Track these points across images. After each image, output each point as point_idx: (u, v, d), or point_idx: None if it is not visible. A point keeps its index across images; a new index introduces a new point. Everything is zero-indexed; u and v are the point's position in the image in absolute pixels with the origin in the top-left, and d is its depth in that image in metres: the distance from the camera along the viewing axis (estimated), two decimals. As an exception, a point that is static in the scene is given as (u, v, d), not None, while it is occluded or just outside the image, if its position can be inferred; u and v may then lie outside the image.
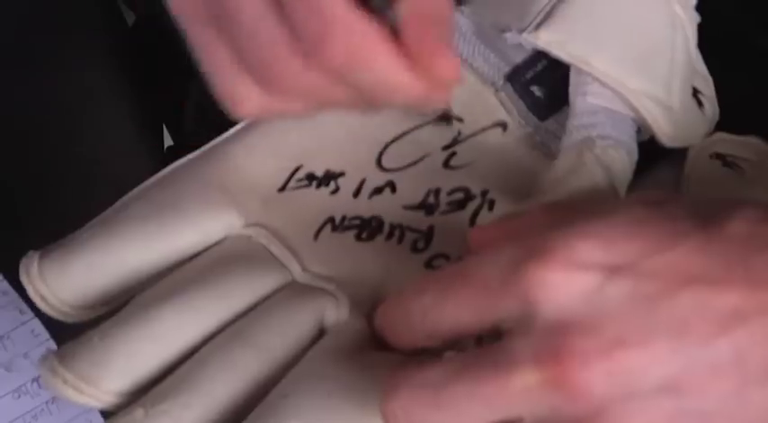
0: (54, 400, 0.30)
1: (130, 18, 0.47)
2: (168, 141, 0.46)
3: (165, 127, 0.44)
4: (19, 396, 0.31)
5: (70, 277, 0.27)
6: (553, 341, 0.22)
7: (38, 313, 0.32)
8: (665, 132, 0.28)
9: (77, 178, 0.35)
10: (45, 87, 0.36)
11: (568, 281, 0.22)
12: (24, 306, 0.31)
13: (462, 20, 0.29)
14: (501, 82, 0.29)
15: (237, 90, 0.27)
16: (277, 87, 0.27)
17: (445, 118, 0.29)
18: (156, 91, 0.40)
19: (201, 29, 0.27)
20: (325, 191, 0.28)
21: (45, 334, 0.32)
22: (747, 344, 0.22)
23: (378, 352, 0.26)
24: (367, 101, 0.26)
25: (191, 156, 0.29)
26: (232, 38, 0.27)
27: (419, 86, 0.26)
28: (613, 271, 0.22)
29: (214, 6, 0.26)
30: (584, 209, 0.25)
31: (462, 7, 0.29)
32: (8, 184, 0.33)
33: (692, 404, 0.22)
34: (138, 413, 0.25)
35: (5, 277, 0.31)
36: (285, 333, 0.26)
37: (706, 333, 0.22)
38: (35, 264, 0.27)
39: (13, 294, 0.31)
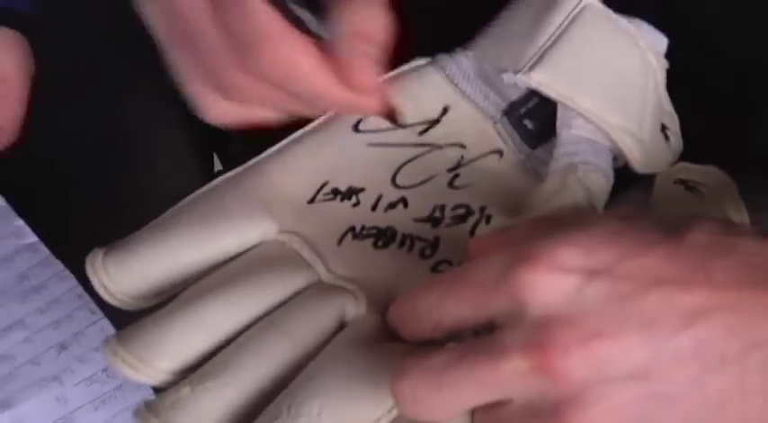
0: (120, 387, 0.34)
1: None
2: (218, 166, 0.51)
3: (215, 154, 0.49)
4: (90, 384, 0.36)
5: (129, 271, 0.31)
6: (539, 334, 0.24)
7: (106, 313, 0.37)
8: (637, 161, 0.32)
9: (137, 196, 0.39)
10: (114, 117, 0.40)
11: (552, 282, 0.25)
12: (95, 307, 0.36)
13: (467, 62, 0.34)
14: (499, 116, 0.33)
15: (204, 99, 0.31)
16: (231, 95, 0.30)
17: (392, 120, 0.32)
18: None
19: (174, 48, 0.30)
20: (347, 204, 0.33)
21: (112, 330, 0.37)
22: (706, 337, 0.24)
23: (390, 342, 0.29)
24: (309, 107, 0.29)
25: (233, 172, 0.34)
26: (195, 53, 0.30)
27: (345, 96, 0.29)
28: (592, 274, 0.25)
29: (180, 27, 0.30)
30: (566, 222, 0.28)
31: (467, 51, 0.34)
32: (84, 199, 0.37)
33: (658, 388, 0.24)
34: (184, 390, 0.28)
35: (80, 282, 0.35)
36: (311, 324, 0.29)
37: (671, 327, 0.24)
38: (99, 259, 0.31)
39: (87, 298, 0.36)
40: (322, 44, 0.28)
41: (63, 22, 0.44)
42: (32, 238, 0.38)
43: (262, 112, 0.31)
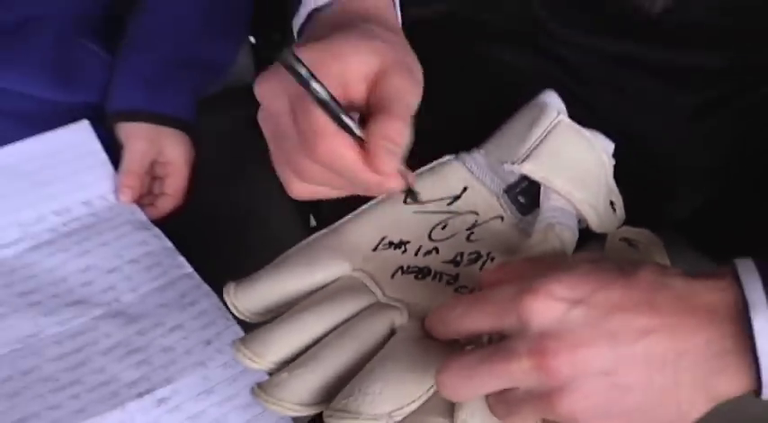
0: (243, 371, 0.50)
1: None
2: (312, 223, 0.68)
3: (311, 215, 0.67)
4: (225, 368, 0.50)
5: (252, 297, 0.45)
6: (538, 343, 0.34)
7: (237, 321, 0.52)
8: (594, 223, 0.46)
9: (258, 246, 0.55)
10: (243, 189, 0.57)
11: (547, 308, 0.34)
12: (230, 316, 0.50)
13: (479, 157, 0.48)
14: (501, 193, 0.48)
15: (287, 179, 0.41)
16: (303, 177, 0.41)
17: (412, 196, 0.46)
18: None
19: (269, 141, 0.41)
20: (398, 251, 0.47)
21: (241, 333, 0.52)
22: (653, 347, 0.34)
23: (426, 342, 0.41)
24: (353, 187, 0.40)
25: (324, 230, 0.49)
26: (281, 145, 0.40)
27: (374, 179, 0.39)
28: (574, 303, 0.34)
29: (272, 126, 0.40)
30: (548, 262, 0.40)
31: (480, 150, 0.49)
32: (223, 245, 0.54)
33: (619, 381, 0.34)
34: (284, 375, 0.40)
35: (220, 300, 0.52)
36: (372, 330, 0.42)
37: (628, 340, 0.34)
38: (232, 289, 0.45)
39: (224, 310, 0.51)
40: (361, 142, 0.40)
41: (210, 125, 0.63)
42: (189, 269, 0.56)
43: (325, 191, 0.42)
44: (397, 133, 0.38)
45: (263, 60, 0.72)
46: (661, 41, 0.53)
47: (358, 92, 0.40)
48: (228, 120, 0.66)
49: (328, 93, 0.38)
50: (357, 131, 0.39)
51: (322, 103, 0.38)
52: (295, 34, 0.48)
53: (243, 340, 0.43)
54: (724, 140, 0.54)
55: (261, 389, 0.42)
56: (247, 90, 0.60)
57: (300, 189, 0.43)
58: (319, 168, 0.41)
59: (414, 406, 0.40)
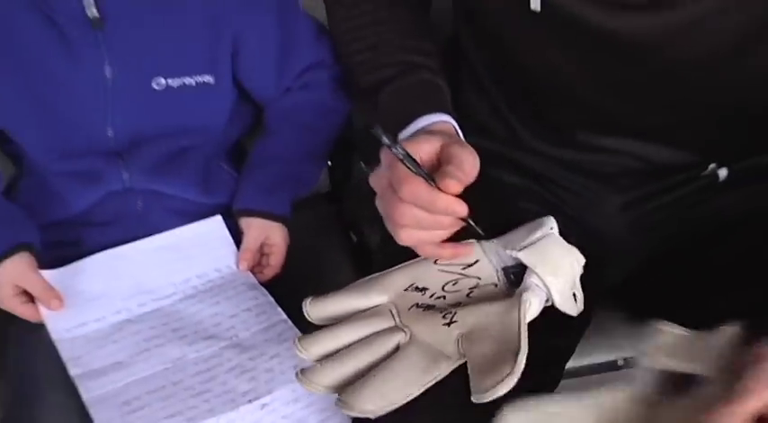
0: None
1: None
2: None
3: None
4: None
5: (320, 308, 0.67)
6: None
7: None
8: (557, 303, 0.65)
9: (325, 289, 0.73)
10: (312, 265, 0.81)
11: None
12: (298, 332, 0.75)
13: (492, 244, 0.69)
14: (500, 268, 0.69)
15: (392, 230, 0.61)
16: (400, 221, 0.60)
17: (467, 222, 0.64)
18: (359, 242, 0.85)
19: (377, 196, 0.61)
20: (419, 293, 0.68)
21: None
22: None
23: (413, 356, 0.62)
24: (433, 217, 0.60)
25: (374, 275, 0.70)
26: (384, 203, 0.61)
27: (445, 202, 0.59)
28: None
29: (379, 186, 0.61)
30: None
31: (495, 240, 0.70)
32: (301, 287, 0.78)
33: None
34: (317, 366, 0.62)
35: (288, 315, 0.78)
36: (384, 345, 0.62)
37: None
38: (308, 303, 0.67)
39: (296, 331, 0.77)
40: (431, 181, 0.61)
41: (298, 219, 0.90)
42: (284, 316, 0.81)
43: (423, 235, 0.63)
44: (458, 168, 0.60)
45: (335, 177, 1.00)
46: (597, 151, 0.77)
47: (431, 157, 0.62)
48: (311, 216, 0.93)
49: (406, 152, 0.60)
50: (426, 176, 0.61)
51: (402, 161, 0.61)
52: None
53: (299, 338, 0.66)
54: (645, 227, 0.76)
55: (303, 374, 0.63)
56: (323, 197, 0.87)
57: (404, 236, 0.63)
58: (408, 208, 0.61)
59: (392, 407, 0.59)
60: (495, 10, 0.75)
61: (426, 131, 0.67)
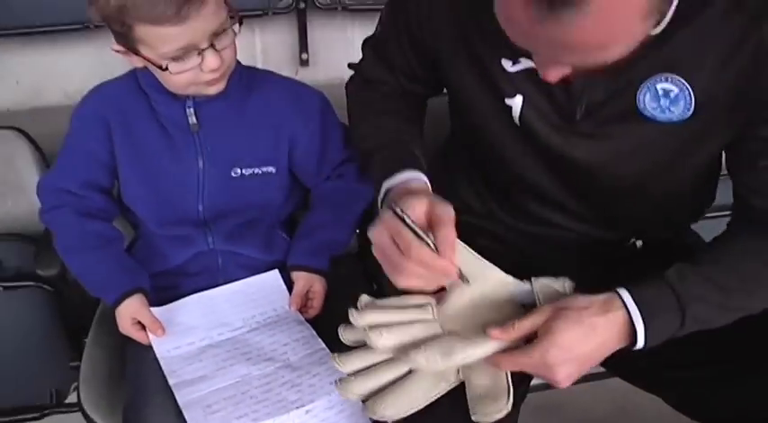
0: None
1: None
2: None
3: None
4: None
5: (353, 335, 0.91)
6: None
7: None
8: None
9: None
10: (342, 307, 1.01)
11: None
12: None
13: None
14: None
15: (392, 276, 0.84)
16: (403, 273, 0.83)
17: (462, 278, 0.86)
18: (378, 290, 1.08)
19: (379, 255, 0.84)
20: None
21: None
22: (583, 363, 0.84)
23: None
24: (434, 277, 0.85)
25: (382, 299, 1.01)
26: (387, 257, 0.83)
27: (442, 264, 0.82)
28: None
29: (380, 247, 0.83)
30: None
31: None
32: (334, 322, 1.09)
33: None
34: (351, 378, 0.86)
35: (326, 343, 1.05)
36: (404, 366, 0.88)
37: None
38: (343, 329, 0.91)
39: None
40: (433, 247, 0.82)
41: (333, 272, 1.18)
42: (323, 345, 1.06)
43: (418, 283, 0.84)
44: (449, 238, 0.83)
45: (362, 241, 1.24)
46: (552, 226, 1.05)
47: (422, 218, 0.84)
48: (344, 270, 1.18)
49: (414, 222, 0.81)
50: (429, 241, 0.81)
51: (411, 229, 0.82)
52: (379, 202, 0.95)
53: (338, 355, 0.87)
54: (583, 283, 0.97)
55: (339, 382, 0.85)
56: (353, 256, 1.17)
57: (403, 284, 0.84)
58: (413, 265, 0.82)
59: (404, 414, 0.82)
60: (483, 120, 1.01)
61: (410, 191, 0.91)
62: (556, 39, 0.72)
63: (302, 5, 2.04)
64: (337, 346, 0.92)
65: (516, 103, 0.95)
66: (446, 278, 0.88)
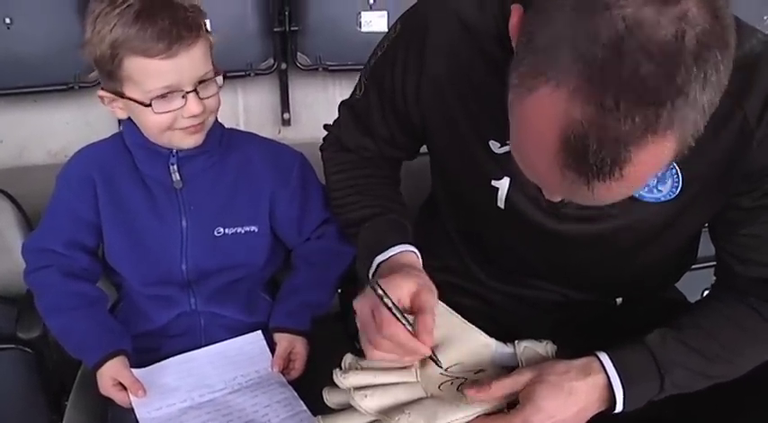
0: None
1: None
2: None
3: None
4: None
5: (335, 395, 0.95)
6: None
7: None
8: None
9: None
10: (328, 367, 1.14)
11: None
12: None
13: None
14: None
15: (366, 349, 0.88)
16: (378, 347, 0.87)
17: (433, 360, 0.92)
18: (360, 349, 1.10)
19: (360, 327, 0.90)
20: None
21: None
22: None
23: None
24: (404, 352, 0.88)
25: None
26: (365, 330, 0.88)
27: (416, 346, 0.86)
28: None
29: (362, 320, 0.89)
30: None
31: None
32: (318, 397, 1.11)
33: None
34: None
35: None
36: None
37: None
38: (326, 391, 0.95)
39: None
40: (409, 327, 0.87)
41: (316, 333, 1.20)
42: (304, 408, 1.08)
43: (388, 357, 0.89)
44: (428, 325, 0.87)
45: (343, 301, 1.28)
46: (535, 289, 1.09)
47: (406, 300, 0.88)
48: (326, 330, 1.20)
49: (392, 302, 0.85)
50: (405, 322, 0.85)
51: (388, 307, 0.84)
52: (370, 275, 0.98)
53: (322, 417, 0.91)
54: (563, 339, 1.02)
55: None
56: (335, 316, 1.19)
57: (372, 356, 0.87)
58: (385, 342, 0.85)
59: None
60: (468, 198, 1.04)
61: (402, 265, 0.94)
62: (583, 197, 0.74)
63: (284, 66, 2.12)
64: (320, 408, 0.94)
65: (503, 184, 0.98)
66: (417, 358, 0.91)
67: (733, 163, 0.90)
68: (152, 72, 1.03)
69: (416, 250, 1.00)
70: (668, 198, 0.93)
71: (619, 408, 0.89)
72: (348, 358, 0.93)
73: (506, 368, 0.95)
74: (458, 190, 1.07)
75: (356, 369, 0.92)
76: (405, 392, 0.91)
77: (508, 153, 0.92)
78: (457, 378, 0.93)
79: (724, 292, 1.01)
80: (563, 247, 1.01)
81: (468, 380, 0.92)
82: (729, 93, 0.84)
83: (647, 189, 0.92)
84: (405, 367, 0.93)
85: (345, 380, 0.90)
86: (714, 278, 1.04)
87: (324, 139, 1.20)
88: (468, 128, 0.98)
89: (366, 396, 0.88)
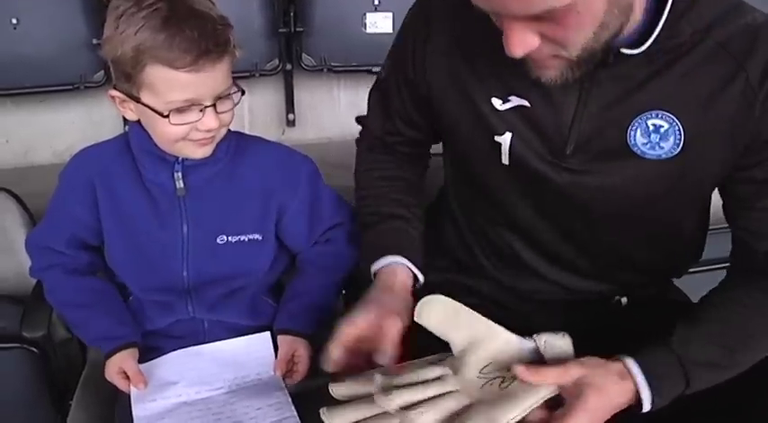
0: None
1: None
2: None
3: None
4: None
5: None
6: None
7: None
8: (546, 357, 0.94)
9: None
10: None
11: None
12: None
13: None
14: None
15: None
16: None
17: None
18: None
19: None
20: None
21: None
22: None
23: None
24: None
25: None
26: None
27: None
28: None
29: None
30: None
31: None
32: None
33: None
34: None
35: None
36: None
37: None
38: (325, 411, 0.95)
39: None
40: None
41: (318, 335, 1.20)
42: (294, 413, 1.08)
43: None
44: (387, 352, 0.92)
45: (348, 304, 1.26)
46: (539, 278, 1.09)
47: (364, 331, 0.93)
48: (330, 333, 1.16)
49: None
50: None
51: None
52: (372, 275, 1.03)
53: (327, 408, 0.89)
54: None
55: None
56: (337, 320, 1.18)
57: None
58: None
59: None
60: (474, 159, 1.07)
61: (386, 285, 1.00)
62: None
63: (289, 67, 2.13)
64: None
65: (505, 140, 1.01)
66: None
67: (736, 126, 0.93)
68: (175, 84, 1.01)
69: (410, 264, 1.05)
70: (669, 155, 0.95)
71: (646, 408, 0.90)
72: (378, 379, 0.92)
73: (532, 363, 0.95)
74: (465, 157, 1.10)
75: (393, 388, 0.90)
76: (453, 402, 0.90)
77: (510, 109, 0.99)
78: (495, 378, 0.94)
79: (741, 276, 1.01)
80: (567, 208, 1.02)
81: (507, 378, 0.92)
82: (733, 54, 0.91)
83: (649, 146, 0.95)
84: (440, 378, 0.93)
85: (392, 401, 0.88)
86: (728, 264, 1.04)
87: (360, 132, 1.25)
88: (473, 86, 1.02)
89: (423, 413, 0.87)
